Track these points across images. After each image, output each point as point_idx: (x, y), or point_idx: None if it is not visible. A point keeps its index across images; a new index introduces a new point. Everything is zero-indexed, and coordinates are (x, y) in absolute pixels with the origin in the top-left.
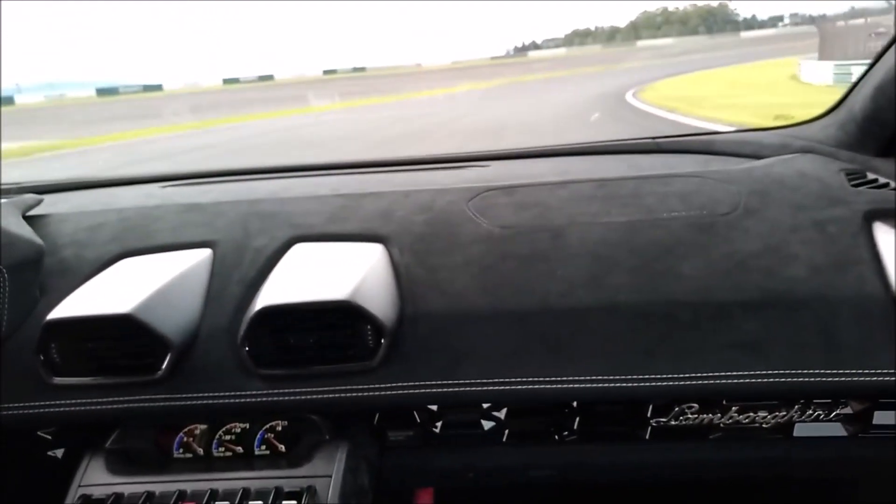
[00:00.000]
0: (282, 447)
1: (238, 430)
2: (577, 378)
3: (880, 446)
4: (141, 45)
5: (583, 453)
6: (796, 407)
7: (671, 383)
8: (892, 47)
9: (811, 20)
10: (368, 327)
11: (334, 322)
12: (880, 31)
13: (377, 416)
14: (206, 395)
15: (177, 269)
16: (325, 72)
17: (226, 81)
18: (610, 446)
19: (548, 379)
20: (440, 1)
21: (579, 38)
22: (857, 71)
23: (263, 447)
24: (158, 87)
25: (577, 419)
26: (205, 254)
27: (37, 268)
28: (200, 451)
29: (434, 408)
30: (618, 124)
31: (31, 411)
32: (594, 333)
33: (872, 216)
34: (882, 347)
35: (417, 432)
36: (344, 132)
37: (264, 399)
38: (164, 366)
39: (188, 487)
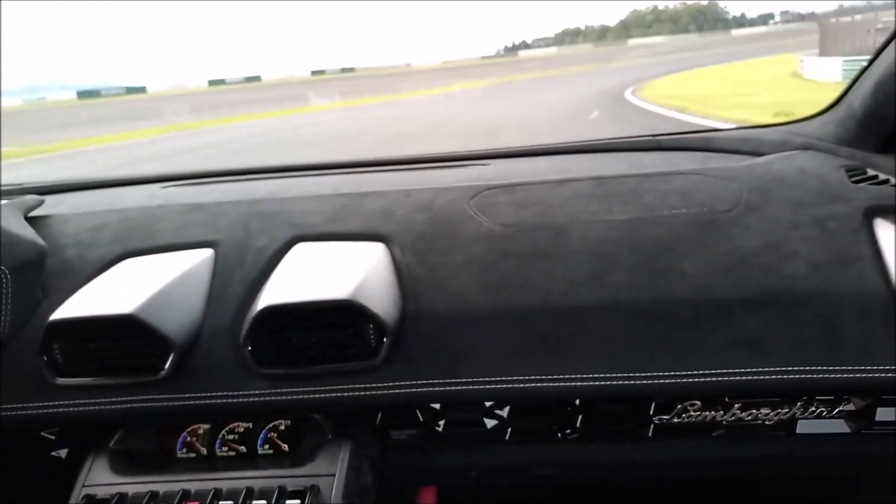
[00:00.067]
0: (285, 446)
1: (241, 430)
2: (578, 376)
3: (883, 443)
4: (124, 47)
5: (585, 452)
6: (799, 404)
7: (672, 381)
8: (893, 43)
9: (801, 18)
10: (370, 326)
11: (336, 321)
12: (880, 28)
13: (380, 415)
14: (208, 394)
15: (179, 269)
16: (314, 72)
17: (211, 83)
18: (612, 444)
19: (549, 377)
20: (429, 0)
21: (570, 37)
22: None
23: (266, 446)
24: (142, 90)
25: (580, 417)
26: (206, 254)
27: (39, 269)
28: (204, 450)
29: (436, 407)
30: (629, 126)
31: (34, 412)
32: (595, 332)
33: (873, 212)
34: (883, 344)
35: (420, 431)
36: (339, 131)
37: (267, 399)
38: (166, 366)
39: (192, 487)
